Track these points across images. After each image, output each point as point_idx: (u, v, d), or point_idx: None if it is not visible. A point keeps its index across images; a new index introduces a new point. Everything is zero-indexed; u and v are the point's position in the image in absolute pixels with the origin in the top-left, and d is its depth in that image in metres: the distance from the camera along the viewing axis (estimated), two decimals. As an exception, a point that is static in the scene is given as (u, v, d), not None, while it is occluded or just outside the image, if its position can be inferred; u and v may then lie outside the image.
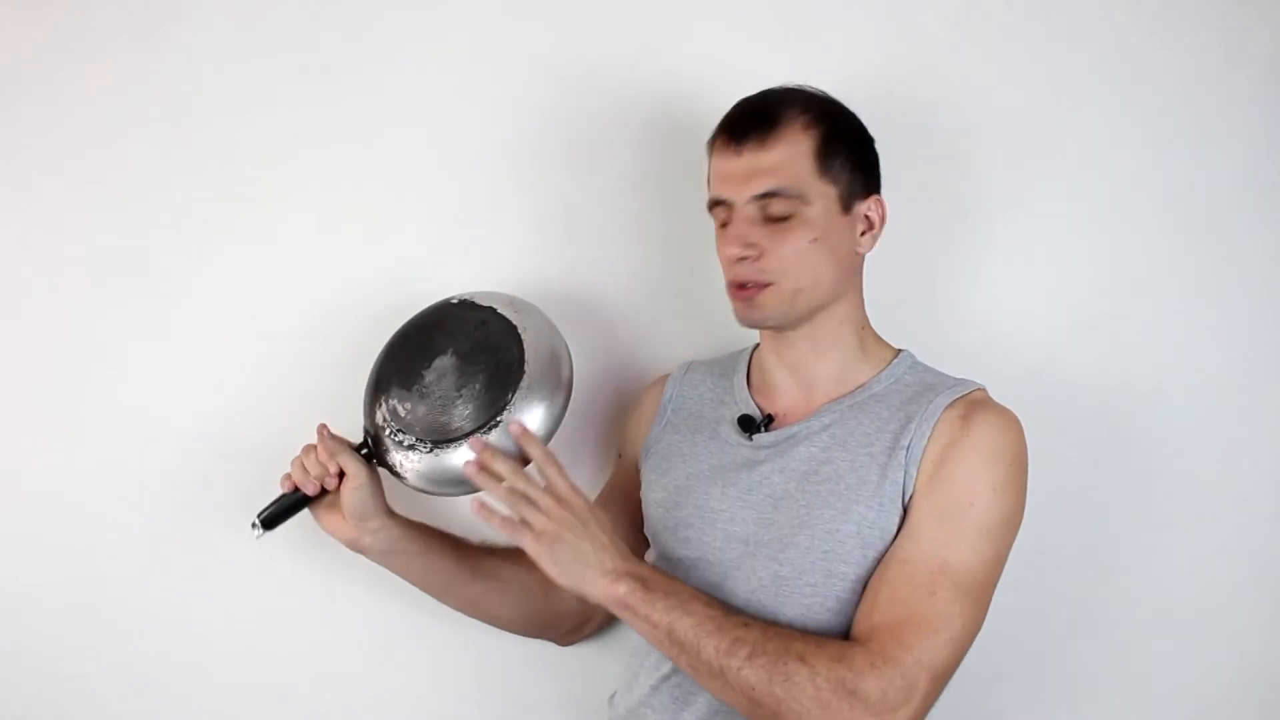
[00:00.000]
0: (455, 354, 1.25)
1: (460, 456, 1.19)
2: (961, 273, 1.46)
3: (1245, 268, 1.44)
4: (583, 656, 1.45)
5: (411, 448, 1.22)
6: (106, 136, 1.45)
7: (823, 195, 1.17)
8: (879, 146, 1.24)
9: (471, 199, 1.46)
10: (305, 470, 1.23)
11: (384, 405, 1.25)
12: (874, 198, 1.22)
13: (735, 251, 1.17)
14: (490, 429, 1.19)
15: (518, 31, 1.45)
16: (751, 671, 1.08)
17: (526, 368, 1.22)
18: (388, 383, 1.27)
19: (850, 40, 1.44)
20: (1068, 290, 1.45)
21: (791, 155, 1.17)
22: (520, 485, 1.15)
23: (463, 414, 1.21)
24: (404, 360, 1.27)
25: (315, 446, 1.24)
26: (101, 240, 1.45)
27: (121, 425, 1.45)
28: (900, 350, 1.25)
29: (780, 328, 1.21)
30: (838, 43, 1.44)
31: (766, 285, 1.18)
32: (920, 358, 1.26)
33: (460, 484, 1.21)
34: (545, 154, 1.46)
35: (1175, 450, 1.44)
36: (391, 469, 1.24)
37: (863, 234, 1.21)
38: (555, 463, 1.16)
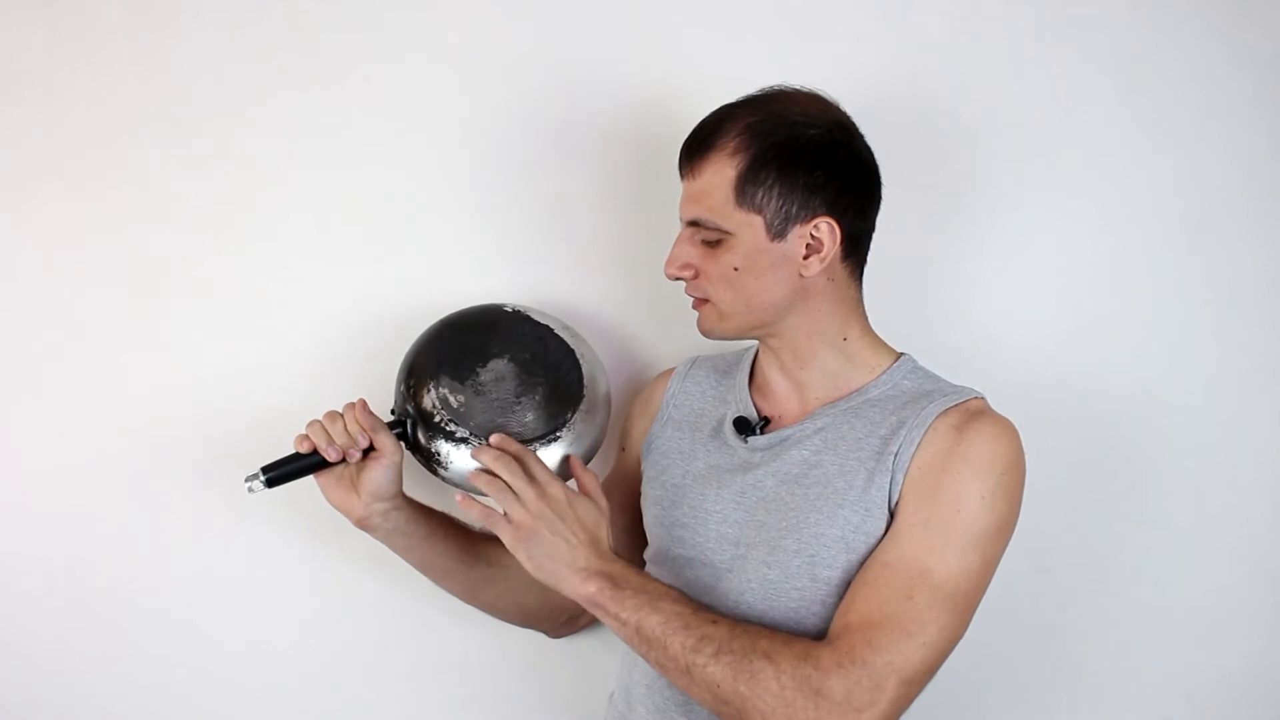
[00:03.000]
0: (513, 361, 1.26)
1: None
2: (960, 273, 1.45)
3: (1245, 267, 1.44)
4: (582, 655, 1.46)
5: (464, 440, 1.21)
6: (106, 136, 1.45)
7: (745, 224, 1.16)
8: (879, 147, 1.22)
9: (472, 199, 1.46)
10: (330, 437, 1.20)
11: (433, 391, 1.23)
12: (820, 219, 1.16)
13: (670, 271, 1.21)
14: (551, 441, 1.22)
15: (518, 34, 1.45)
16: (717, 669, 1.07)
17: (585, 391, 1.26)
18: (436, 370, 1.24)
19: (848, 41, 1.44)
20: (1066, 290, 1.45)
21: (712, 185, 1.17)
22: (505, 476, 1.16)
23: (522, 420, 1.22)
24: (455, 352, 1.26)
25: (342, 414, 1.21)
26: (101, 240, 1.45)
27: (121, 425, 1.45)
28: (901, 355, 1.24)
29: (728, 340, 1.23)
30: (836, 43, 1.44)
31: (706, 301, 1.21)
32: (919, 359, 1.25)
33: None
34: (546, 153, 1.46)
35: (1174, 450, 1.44)
36: (432, 455, 1.23)
37: (806, 257, 1.17)
38: (537, 458, 1.19)
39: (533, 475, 1.17)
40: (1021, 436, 1.16)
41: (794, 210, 1.16)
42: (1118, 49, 1.43)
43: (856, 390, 1.21)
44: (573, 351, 1.28)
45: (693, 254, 1.20)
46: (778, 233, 1.16)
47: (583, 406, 1.25)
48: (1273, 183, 1.44)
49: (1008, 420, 1.16)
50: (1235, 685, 1.46)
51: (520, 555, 1.14)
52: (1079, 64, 1.43)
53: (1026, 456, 1.15)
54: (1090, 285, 1.45)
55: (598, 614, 1.13)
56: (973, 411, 1.15)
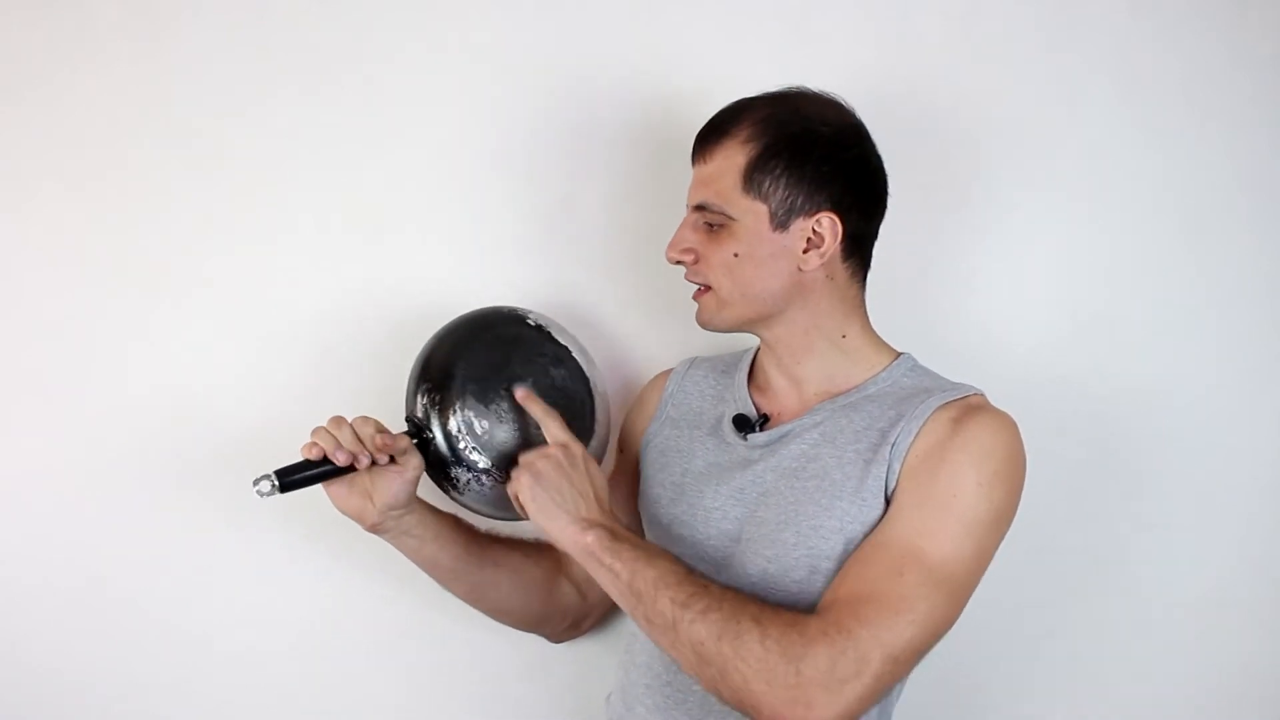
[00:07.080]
0: (536, 386, 1.24)
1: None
2: (960, 273, 1.45)
3: (1245, 267, 1.44)
4: (580, 657, 1.46)
5: (486, 472, 1.21)
6: (106, 136, 1.45)
7: (749, 212, 1.17)
8: (878, 147, 1.22)
9: (471, 198, 1.46)
10: (337, 441, 1.17)
11: (459, 414, 1.21)
12: (823, 214, 1.17)
13: (671, 255, 1.22)
14: None
15: (517, 34, 1.45)
16: (703, 626, 1.07)
17: (596, 429, 1.27)
18: (462, 389, 1.22)
19: (849, 41, 1.44)
20: (1066, 290, 1.45)
21: (722, 170, 1.18)
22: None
23: (534, 448, 1.21)
24: (481, 370, 1.23)
25: (350, 422, 1.19)
26: (101, 240, 1.45)
27: (121, 425, 1.46)
28: (901, 354, 1.24)
29: (726, 332, 1.23)
30: (836, 43, 1.44)
31: (707, 289, 1.21)
32: (919, 358, 1.25)
33: (508, 510, 1.23)
34: (546, 153, 1.46)
35: (1174, 450, 1.44)
36: (451, 479, 1.23)
37: (806, 251, 1.17)
38: (555, 417, 1.21)
39: (547, 432, 1.20)
40: (1021, 434, 1.15)
41: (799, 202, 1.17)
42: (1118, 49, 1.43)
43: (855, 387, 1.22)
44: (588, 380, 1.28)
45: (695, 238, 1.21)
46: (780, 223, 1.17)
47: (593, 443, 1.27)
48: (1273, 183, 1.44)
49: (1007, 415, 1.16)
50: (1235, 685, 1.46)
51: (524, 496, 1.16)
52: (1079, 64, 1.43)
53: (1027, 455, 1.15)
54: (1090, 285, 1.45)
55: (590, 565, 1.13)
56: (972, 406, 1.16)
